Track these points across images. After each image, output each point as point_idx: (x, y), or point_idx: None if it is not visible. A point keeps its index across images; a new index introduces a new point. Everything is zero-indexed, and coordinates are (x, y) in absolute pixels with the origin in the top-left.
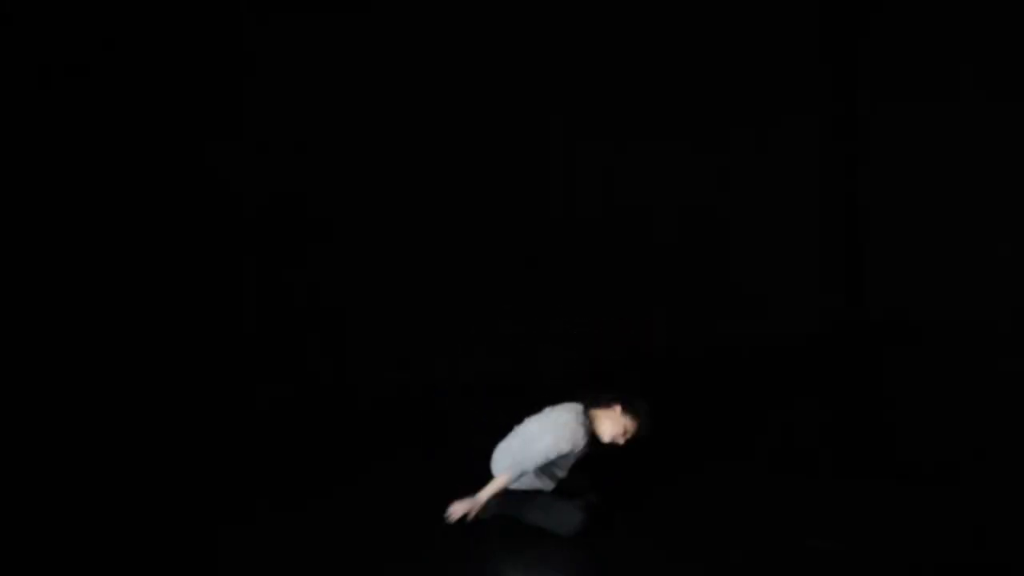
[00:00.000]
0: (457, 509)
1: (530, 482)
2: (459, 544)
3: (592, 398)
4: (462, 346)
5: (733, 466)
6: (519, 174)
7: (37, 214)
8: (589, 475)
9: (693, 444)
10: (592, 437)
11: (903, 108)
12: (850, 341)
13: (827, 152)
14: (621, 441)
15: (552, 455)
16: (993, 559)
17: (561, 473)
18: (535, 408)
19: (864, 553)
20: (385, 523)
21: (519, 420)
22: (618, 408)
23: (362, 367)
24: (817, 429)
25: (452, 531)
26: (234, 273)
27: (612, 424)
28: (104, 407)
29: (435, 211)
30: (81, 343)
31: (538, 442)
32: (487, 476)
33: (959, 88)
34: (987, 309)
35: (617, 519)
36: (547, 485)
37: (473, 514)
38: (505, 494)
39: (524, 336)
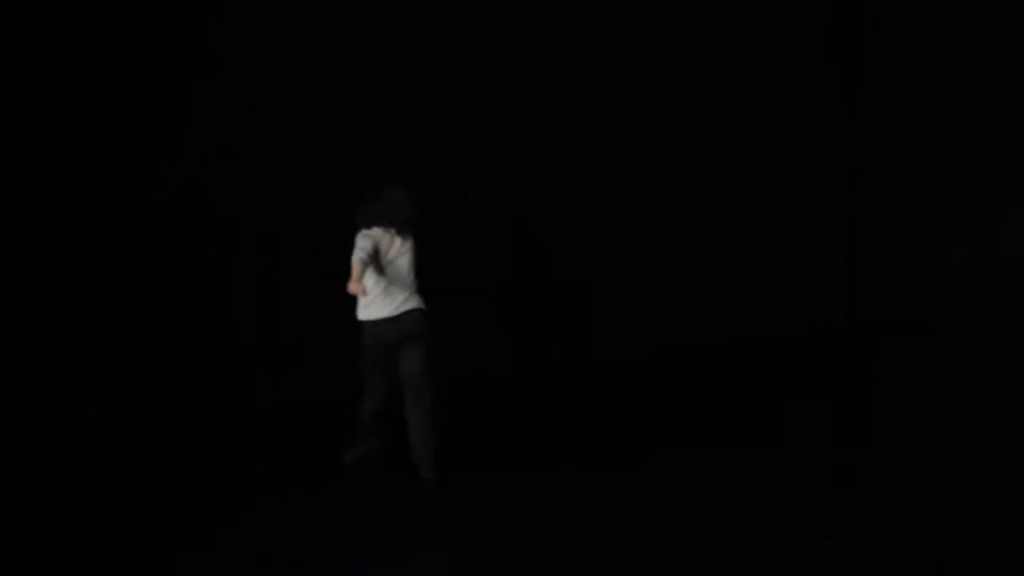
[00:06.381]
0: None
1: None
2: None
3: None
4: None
5: (731, 465)
6: (516, 167)
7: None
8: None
9: (690, 443)
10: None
11: (906, 96)
12: (848, 340)
13: (827, 152)
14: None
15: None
16: (991, 558)
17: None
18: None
19: (863, 552)
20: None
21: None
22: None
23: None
24: (815, 428)
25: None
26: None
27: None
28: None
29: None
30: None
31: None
32: None
33: (962, 77)
34: (988, 309)
35: (613, 518)
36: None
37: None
38: None
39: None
